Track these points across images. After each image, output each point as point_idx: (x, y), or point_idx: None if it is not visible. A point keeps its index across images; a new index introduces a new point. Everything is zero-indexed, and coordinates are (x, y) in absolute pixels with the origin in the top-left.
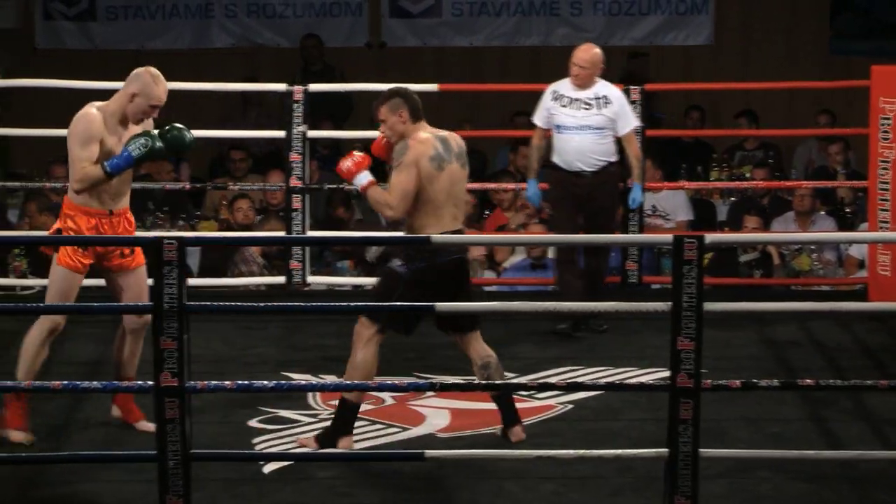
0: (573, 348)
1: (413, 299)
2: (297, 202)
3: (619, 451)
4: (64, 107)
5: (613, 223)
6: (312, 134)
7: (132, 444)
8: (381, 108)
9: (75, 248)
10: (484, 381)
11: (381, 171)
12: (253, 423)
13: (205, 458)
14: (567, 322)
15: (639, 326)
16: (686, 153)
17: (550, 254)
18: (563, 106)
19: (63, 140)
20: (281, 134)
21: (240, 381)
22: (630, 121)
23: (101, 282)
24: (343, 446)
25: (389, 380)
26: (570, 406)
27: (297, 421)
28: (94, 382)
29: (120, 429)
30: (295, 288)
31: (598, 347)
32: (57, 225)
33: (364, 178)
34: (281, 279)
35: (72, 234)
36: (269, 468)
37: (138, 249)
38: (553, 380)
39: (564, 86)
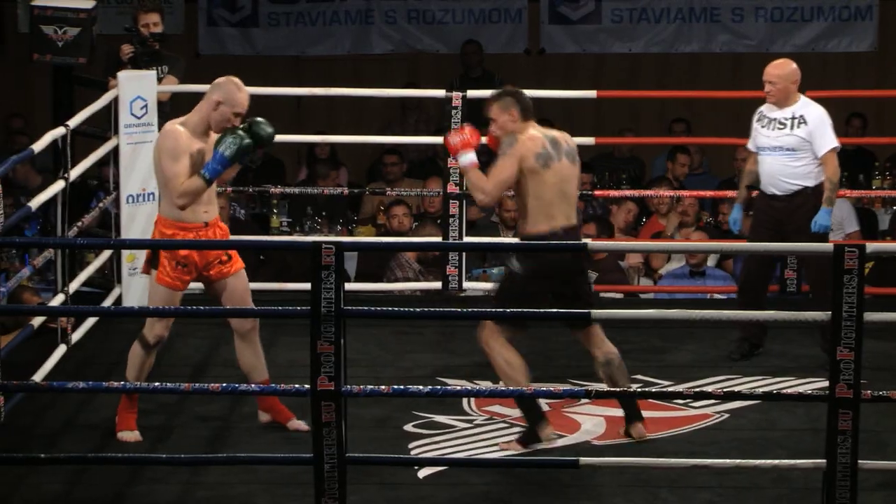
0: (730, 357)
1: (531, 296)
2: (453, 208)
3: (776, 462)
4: None
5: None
6: None
7: (284, 447)
8: (493, 106)
9: (175, 266)
10: (609, 381)
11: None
12: (408, 427)
13: (360, 462)
14: (741, 349)
15: (797, 336)
16: (847, 161)
17: (710, 262)
18: (763, 126)
19: None
20: (439, 140)
21: (396, 386)
22: (826, 141)
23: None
24: (545, 435)
25: (545, 386)
26: (727, 415)
27: (452, 426)
28: (252, 385)
29: (269, 431)
30: (451, 293)
31: (755, 356)
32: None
33: (468, 157)
34: (437, 285)
35: (171, 255)
36: (424, 473)
37: (235, 254)
38: (710, 389)
39: (767, 105)
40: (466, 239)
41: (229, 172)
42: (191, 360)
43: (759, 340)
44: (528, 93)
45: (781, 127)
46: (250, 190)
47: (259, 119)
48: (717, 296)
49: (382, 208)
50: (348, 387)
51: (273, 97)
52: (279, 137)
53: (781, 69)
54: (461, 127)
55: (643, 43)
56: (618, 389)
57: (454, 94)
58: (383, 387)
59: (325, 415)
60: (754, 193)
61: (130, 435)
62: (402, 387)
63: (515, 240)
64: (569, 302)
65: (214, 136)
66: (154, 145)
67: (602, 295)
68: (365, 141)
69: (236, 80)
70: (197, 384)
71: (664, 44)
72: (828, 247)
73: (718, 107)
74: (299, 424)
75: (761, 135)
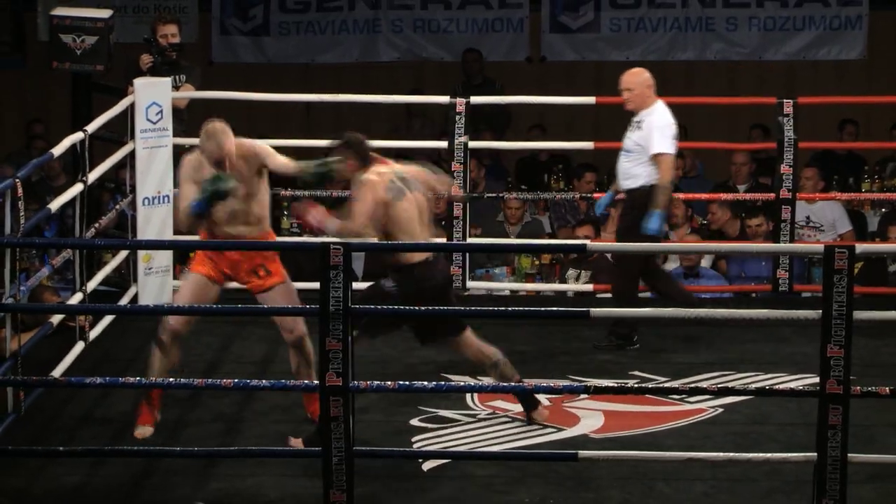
0: (724, 354)
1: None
2: (457, 209)
3: (768, 455)
4: (239, 117)
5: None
6: (473, 144)
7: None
8: (334, 152)
9: (208, 257)
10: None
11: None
12: (414, 422)
13: (367, 455)
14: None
15: (789, 333)
16: (838, 165)
17: (704, 262)
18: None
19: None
20: (443, 144)
21: (401, 382)
22: (655, 145)
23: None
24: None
25: (545, 382)
26: (721, 410)
27: (456, 420)
28: (264, 381)
29: (279, 425)
30: (454, 293)
31: (748, 353)
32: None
33: (330, 223)
34: None
35: (201, 259)
36: (428, 466)
37: (275, 269)
38: (704, 384)
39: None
40: (470, 240)
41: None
42: (205, 357)
43: (630, 333)
44: (530, 99)
45: (630, 129)
46: None
47: (221, 174)
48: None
49: None
50: (356, 382)
51: (284, 103)
52: (288, 142)
53: (637, 77)
54: (308, 203)
55: (640, 51)
56: (614, 385)
57: (458, 100)
58: (389, 382)
59: (333, 409)
60: None
61: (144, 430)
62: (407, 383)
63: (518, 240)
64: (433, 323)
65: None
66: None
67: (598, 295)
68: (373, 146)
69: (211, 127)
70: (210, 380)
71: (661, 52)
72: (818, 247)
73: (713, 112)
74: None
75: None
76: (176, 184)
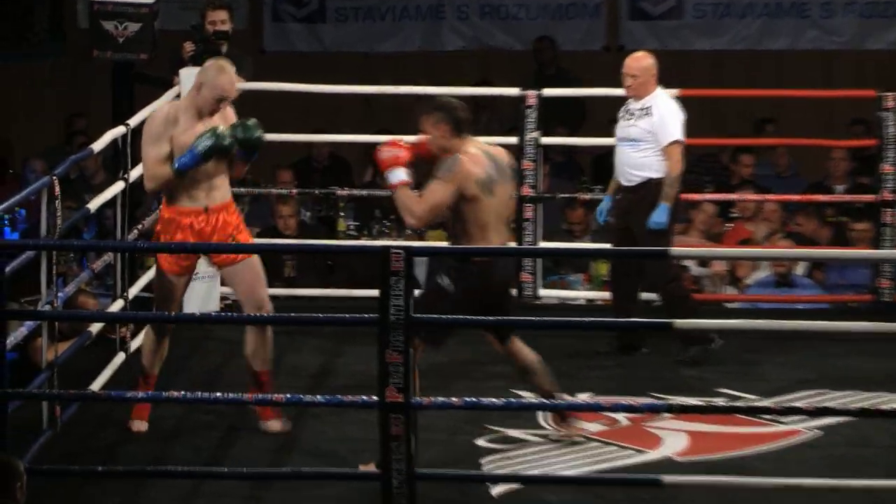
0: (821, 370)
1: (460, 314)
2: (528, 212)
3: (871, 482)
4: (292, 110)
5: (643, 242)
6: (546, 140)
7: (351, 461)
8: (423, 121)
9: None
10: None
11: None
12: (480, 442)
13: (430, 478)
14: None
15: (892, 348)
16: None
17: (799, 270)
18: (621, 117)
19: (290, 145)
20: (513, 140)
21: (467, 398)
22: (668, 133)
23: (324, 292)
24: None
25: (624, 400)
26: (819, 432)
27: (526, 441)
28: (318, 396)
29: (335, 443)
30: (525, 301)
31: (847, 370)
32: (158, 228)
33: (398, 175)
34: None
35: (170, 236)
36: (497, 490)
37: (244, 239)
38: (799, 403)
39: (632, 98)
40: (542, 244)
41: (239, 169)
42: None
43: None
44: (607, 91)
45: (630, 118)
46: (316, 192)
47: (250, 122)
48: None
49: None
50: (417, 398)
51: (340, 95)
52: (347, 137)
53: (641, 62)
54: (393, 141)
55: (728, 39)
56: (700, 403)
57: (529, 92)
58: (454, 399)
59: (393, 428)
60: None
61: (141, 425)
62: (473, 399)
63: (593, 245)
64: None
65: (213, 121)
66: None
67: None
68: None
69: (222, 62)
70: (259, 394)
71: (750, 40)
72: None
73: (807, 106)
74: (275, 426)
75: (618, 126)
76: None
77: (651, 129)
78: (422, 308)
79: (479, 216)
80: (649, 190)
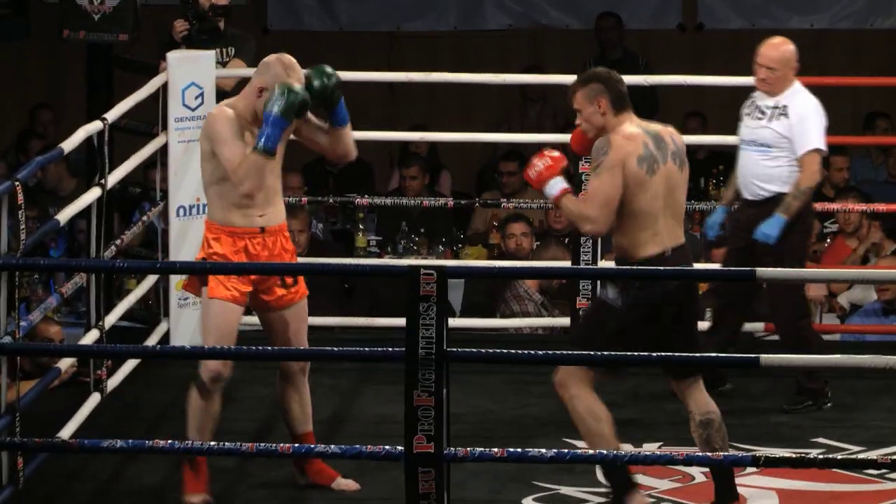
0: None
1: (629, 337)
2: None
3: None
4: None
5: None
6: None
7: None
8: (576, 94)
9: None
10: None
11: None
12: (527, 501)
13: None
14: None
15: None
16: None
17: None
18: (747, 114)
19: (300, 144)
20: (568, 138)
21: (511, 449)
22: (807, 140)
23: (340, 321)
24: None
25: (700, 451)
26: None
27: (583, 500)
28: (332, 446)
29: (348, 501)
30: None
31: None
32: (200, 255)
33: (556, 185)
34: (565, 321)
35: (217, 260)
36: None
37: (301, 278)
38: None
39: (760, 92)
40: (602, 264)
41: (336, 137)
42: (256, 414)
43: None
44: (683, 80)
45: (760, 117)
46: (330, 201)
47: (321, 67)
48: None
49: (496, 224)
50: (452, 449)
51: (360, 84)
52: (367, 135)
53: (780, 51)
54: (539, 153)
55: (829, 16)
56: (792, 456)
57: None
58: (496, 450)
59: (422, 484)
60: None
61: (199, 498)
62: (518, 450)
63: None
64: (671, 346)
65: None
66: (201, 134)
67: (767, 337)
68: (475, 139)
69: (286, 58)
70: (262, 444)
71: (855, 17)
72: None
73: None
74: (347, 484)
75: (742, 125)
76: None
77: (787, 134)
78: (582, 328)
79: (643, 203)
80: (775, 204)
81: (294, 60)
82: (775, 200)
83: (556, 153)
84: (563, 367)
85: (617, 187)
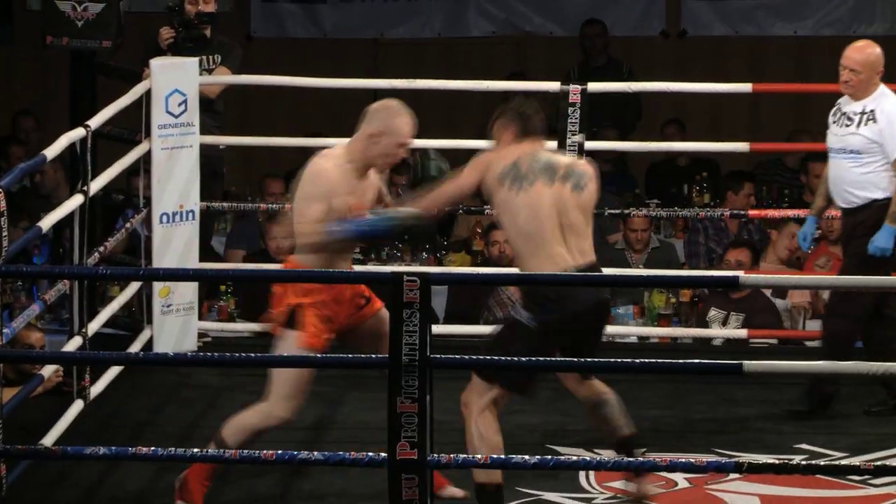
0: None
1: (542, 354)
2: None
3: None
4: (286, 108)
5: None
6: (591, 145)
7: None
8: (493, 126)
9: (321, 320)
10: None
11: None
12: None
13: None
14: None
15: None
16: None
17: None
18: (834, 122)
19: (282, 151)
20: (552, 144)
21: (494, 455)
22: None
23: None
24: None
25: (683, 457)
26: None
27: None
28: (315, 453)
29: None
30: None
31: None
32: (291, 300)
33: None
34: None
35: (319, 306)
36: None
37: (369, 291)
38: (894, 462)
39: (846, 97)
40: None
41: None
42: None
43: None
44: (666, 86)
45: (848, 124)
46: None
47: (431, 160)
48: None
49: (480, 231)
50: (435, 456)
51: (344, 90)
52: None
53: (865, 54)
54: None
55: (813, 23)
56: (774, 462)
57: (572, 87)
58: (479, 456)
59: (406, 491)
60: None
61: None
62: (502, 456)
63: (646, 270)
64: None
65: (372, 177)
66: (303, 177)
67: (752, 342)
68: (458, 146)
69: (392, 103)
70: (245, 451)
71: (840, 24)
72: None
73: None
74: (454, 492)
75: (830, 133)
76: (242, 195)
77: (877, 139)
78: (494, 345)
79: (525, 224)
80: (873, 212)
81: (400, 104)
82: (869, 207)
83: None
84: (470, 386)
85: (457, 186)
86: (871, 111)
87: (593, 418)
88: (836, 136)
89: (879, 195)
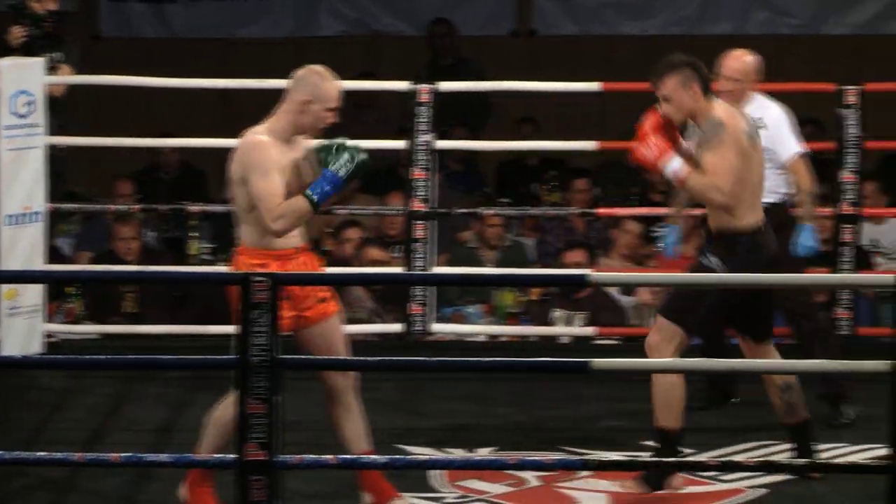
0: (768, 418)
1: (723, 303)
2: (420, 230)
3: None
4: (134, 109)
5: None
6: (441, 144)
7: None
8: (666, 81)
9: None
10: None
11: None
12: None
13: None
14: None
15: (851, 391)
16: None
17: None
18: None
19: (131, 151)
20: (402, 144)
21: (344, 456)
22: (791, 145)
23: (173, 329)
24: (676, 485)
25: (532, 455)
26: (764, 490)
27: None
28: (163, 455)
29: None
30: (415, 338)
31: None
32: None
33: (676, 163)
34: (397, 327)
35: None
36: None
37: (330, 290)
38: (742, 458)
39: None
40: (436, 269)
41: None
42: (87, 423)
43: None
44: (517, 85)
45: None
46: (163, 208)
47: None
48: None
49: (330, 231)
50: (284, 456)
51: (194, 91)
52: (200, 142)
53: (744, 63)
54: (640, 133)
55: (661, 22)
56: (622, 459)
57: (421, 86)
58: (328, 456)
59: (254, 492)
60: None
61: None
62: (351, 456)
63: (497, 270)
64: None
65: (302, 143)
66: (235, 159)
67: (598, 340)
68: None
69: (317, 68)
70: (92, 454)
71: (688, 23)
72: (888, 279)
73: None
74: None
75: None
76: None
77: (769, 145)
78: (682, 296)
79: (748, 175)
80: (773, 216)
81: (324, 69)
82: (769, 211)
83: (659, 130)
84: (656, 330)
85: (737, 161)
86: (760, 118)
87: (775, 398)
88: None
89: (774, 198)
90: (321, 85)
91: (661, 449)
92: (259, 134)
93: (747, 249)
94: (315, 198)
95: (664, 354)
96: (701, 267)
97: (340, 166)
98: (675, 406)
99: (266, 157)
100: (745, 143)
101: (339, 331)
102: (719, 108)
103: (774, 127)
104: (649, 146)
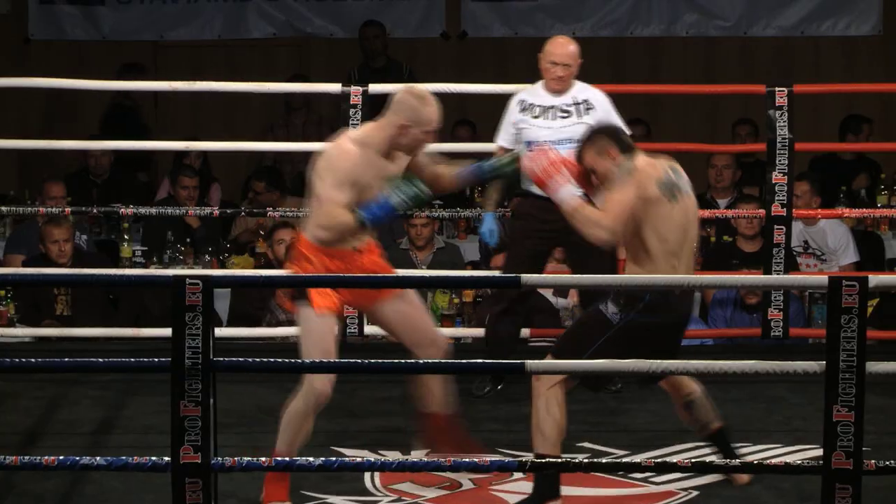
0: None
1: (616, 355)
2: None
3: None
4: (64, 111)
5: (605, 260)
6: None
7: None
8: (585, 153)
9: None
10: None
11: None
12: None
13: None
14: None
15: (784, 392)
16: (846, 172)
17: None
18: (537, 116)
19: (63, 154)
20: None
21: (279, 458)
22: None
23: (106, 332)
24: None
25: (468, 457)
26: (696, 493)
27: None
28: (98, 458)
29: None
30: (349, 340)
31: (732, 418)
32: (294, 268)
33: (570, 191)
34: None
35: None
36: None
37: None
38: (675, 459)
39: (530, 92)
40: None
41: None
42: (22, 426)
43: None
44: (448, 87)
45: (565, 115)
46: (95, 210)
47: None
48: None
49: (263, 233)
50: (219, 459)
51: (122, 94)
52: (131, 143)
53: (572, 49)
54: (561, 159)
55: (591, 24)
56: (558, 461)
57: (352, 88)
58: (263, 459)
59: (189, 495)
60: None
61: None
62: (286, 459)
63: (431, 271)
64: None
65: (402, 159)
66: (321, 157)
67: (532, 343)
68: (239, 149)
69: (417, 90)
70: (27, 457)
71: (617, 25)
72: (821, 280)
73: (685, 104)
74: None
75: (536, 126)
76: (21, 199)
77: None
78: (570, 335)
79: (664, 230)
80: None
81: (425, 91)
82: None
83: (568, 167)
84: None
85: (631, 202)
86: (585, 100)
87: (683, 415)
88: (552, 128)
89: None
90: (421, 110)
91: (538, 481)
92: (352, 141)
93: (653, 309)
94: (364, 218)
95: (544, 383)
96: (597, 315)
97: (399, 198)
98: (549, 434)
99: (343, 168)
100: (655, 190)
101: (413, 308)
102: (639, 159)
103: (603, 111)
104: (556, 167)
